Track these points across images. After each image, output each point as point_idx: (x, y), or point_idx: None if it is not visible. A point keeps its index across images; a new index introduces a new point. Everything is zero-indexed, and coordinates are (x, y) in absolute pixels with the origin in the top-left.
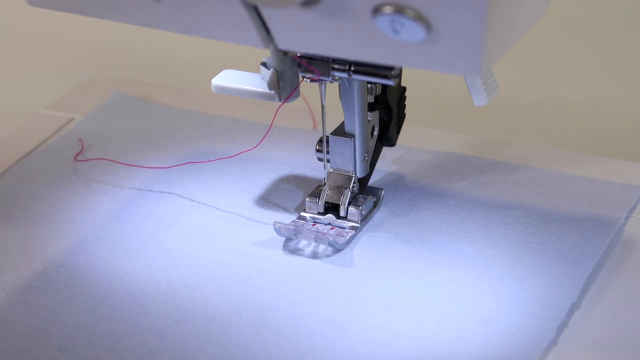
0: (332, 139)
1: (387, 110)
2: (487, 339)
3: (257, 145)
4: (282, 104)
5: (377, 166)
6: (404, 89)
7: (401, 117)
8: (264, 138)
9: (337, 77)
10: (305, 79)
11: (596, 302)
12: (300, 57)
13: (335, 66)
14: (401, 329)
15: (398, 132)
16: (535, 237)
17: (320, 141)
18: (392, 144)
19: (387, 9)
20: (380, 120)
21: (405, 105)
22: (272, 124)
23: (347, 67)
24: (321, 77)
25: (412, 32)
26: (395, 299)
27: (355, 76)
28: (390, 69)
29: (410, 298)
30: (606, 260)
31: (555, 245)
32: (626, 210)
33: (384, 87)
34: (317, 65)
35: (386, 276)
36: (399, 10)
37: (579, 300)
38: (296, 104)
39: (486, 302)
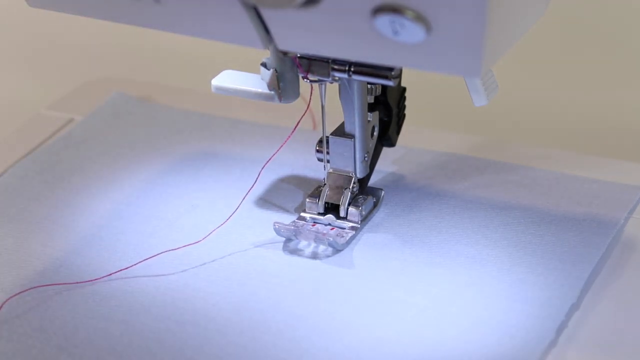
0: (332, 139)
1: (387, 111)
2: (486, 340)
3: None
4: (279, 103)
5: (377, 166)
6: (404, 89)
7: (401, 117)
8: (286, 140)
9: (337, 78)
10: (305, 80)
11: (596, 302)
12: (299, 57)
13: (335, 67)
14: (401, 329)
15: (398, 132)
16: (535, 238)
17: (320, 142)
18: (392, 144)
19: (387, 10)
20: (380, 120)
21: (405, 106)
22: (295, 128)
23: (347, 68)
24: (308, 76)
25: (412, 33)
26: (395, 299)
27: (355, 77)
28: (390, 69)
29: (410, 298)
30: (606, 261)
31: (555, 245)
32: (626, 211)
33: (384, 87)
34: (316, 66)
35: (386, 276)
36: (399, 11)
37: (578, 301)
38: (296, 104)
39: (486, 303)
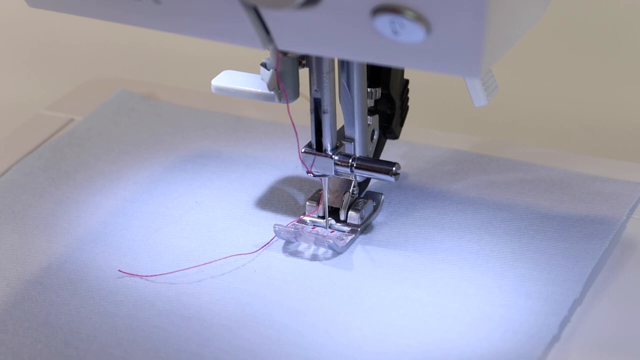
0: None
1: (390, 104)
2: (490, 335)
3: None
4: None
5: None
6: (407, 81)
7: (404, 110)
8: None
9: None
10: (309, 174)
11: (598, 298)
12: (303, 152)
13: (338, 162)
14: (405, 324)
15: (401, 124)
16: (538, 234)
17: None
18: (395, 136)
19: (387, 10)
20: (384, 113)
21: (408, 98)
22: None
23: (349, 163)
24: (312, 172)
25: (412, 33)
26: (398, 295)
27: (357, 172)
28: (392, 164)
29: (414, 294)
30: (608, 257)
31: (558, 241)
32: (628, 207)
33: (387, 80)
34: (320, 161)
35: (389, 272)
36: (399, 11)
37: (581, 297)
38: (298, 104)
39: (489, 298)
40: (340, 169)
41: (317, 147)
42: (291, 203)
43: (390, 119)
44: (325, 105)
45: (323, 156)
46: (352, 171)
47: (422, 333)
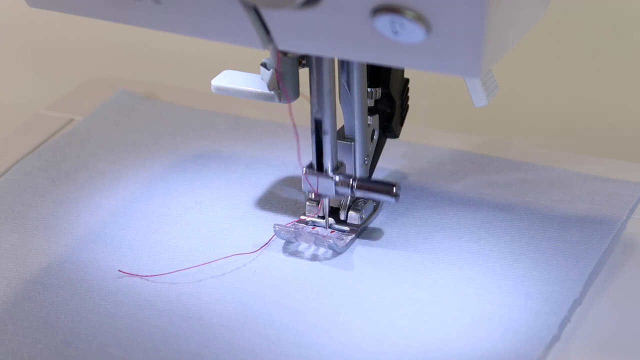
0: None
1: (390, 103)
2: (490, 335)
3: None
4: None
5: (380, 164)
6: (407, 80)
7: (404, 109)
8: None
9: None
10: (310, 194)
11: (598, 298)
12: (305, 172)
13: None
14: (404, 324)
15: (401, 124)
16: (538, 234)
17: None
18: (395, 135)
19: (387, 10)
20: (384, 112)
21: (408, 97)
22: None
23: (350, 184)
24: (319, 192)
25: (412, 33)
26: (398, 295)
27: (358, 192)
28: (393, 185)
29: (414, 294)
30: (608, 258)
31: (558, 241)
32: (628, 208)
33: (387, 79)
34: (320, 182)
35: (389, 272)
36: (399, 11)
37: (581, 297)
38: (298, 103)
39: (489, 298)
40: (341, 189)
41: (317, 167)
42: (291, 203)
43: (391, 118)
44: (326, 126)
45: (324, 177)
46: (352, 193)
47: (422, 333)
